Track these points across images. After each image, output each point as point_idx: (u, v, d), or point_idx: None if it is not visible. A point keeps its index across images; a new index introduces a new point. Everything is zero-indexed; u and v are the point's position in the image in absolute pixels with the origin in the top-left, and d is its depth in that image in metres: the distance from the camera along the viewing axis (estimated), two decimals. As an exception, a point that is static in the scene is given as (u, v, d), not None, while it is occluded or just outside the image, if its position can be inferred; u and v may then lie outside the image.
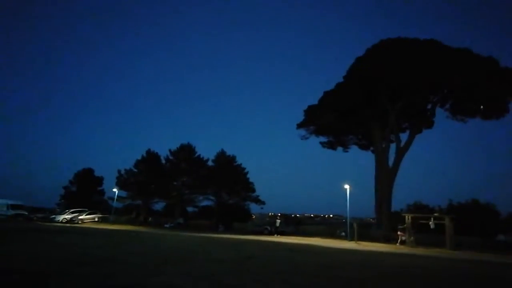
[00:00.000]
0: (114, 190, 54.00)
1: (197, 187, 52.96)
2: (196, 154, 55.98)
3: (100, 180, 66.72)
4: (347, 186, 34.31)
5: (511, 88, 36.35)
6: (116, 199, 54.81)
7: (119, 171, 56.48)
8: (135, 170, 56.96)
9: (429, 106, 42.08)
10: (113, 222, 48.42)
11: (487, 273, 14.05)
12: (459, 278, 12.29)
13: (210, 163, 54.67)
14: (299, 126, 44.99)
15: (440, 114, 42.51)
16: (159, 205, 60.79)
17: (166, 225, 45.68)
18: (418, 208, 37.50)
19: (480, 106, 39.19)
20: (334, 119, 42.09)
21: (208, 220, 48.32)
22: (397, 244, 28.96)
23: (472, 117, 40.44)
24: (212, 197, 52.85)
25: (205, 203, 55.01)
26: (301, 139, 46.23)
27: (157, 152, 58.02)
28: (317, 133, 46.18)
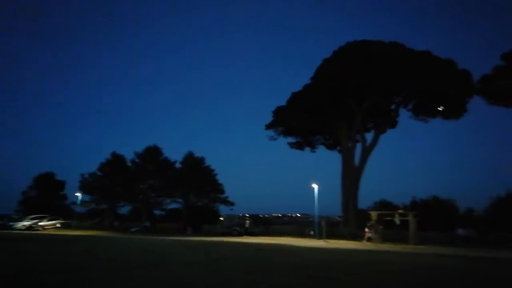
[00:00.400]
0: (77, 194, 52.05)
1: (165, 190, 51.97)
2: (163, 156, 54.93)
3: (61, 184, 64.04)
4: (315, 186, 34.74)
5: (469, 88, 38.03)
6: (80, 204, 52.83)
7: (82, 175, 54.51)
8: (100, 173, 55.12)
9: (393, 107, 43.35)
10: (76, 228, 46.63)
11: (450, 266, 14.57)
12: (424, 271, 12.65)
13: (178, 165, 53.81)
14: (268, 127, 45.13)
15: (404, 114, 43.88)
16: (125, 209, 59.19)
17: (132, 229, 44.49)
18: (384, 206, 38.56)
19: (441, 107, 40.76)
20: (302, 120, 42.52)
21: (176, 223, 47.46)
22: (364, 241, 29.59)
23: (434, 117, 42.00)
24: (180, 200, 52.03)
25: (172, 205, 54.07)
26: (270, 140, 46.36)
27: (122, 155, 56.47)
28: (285, 133, 46.47)
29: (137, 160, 54.39)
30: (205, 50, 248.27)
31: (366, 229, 30.07)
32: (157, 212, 56.38)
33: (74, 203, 54.07)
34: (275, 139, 46.27)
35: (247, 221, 39.98)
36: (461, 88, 38.21)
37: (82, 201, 53.07)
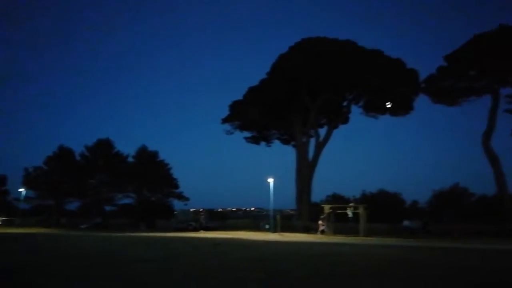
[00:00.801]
0: (21, 190, 49.04)
1: (116, 185, 50.40)
2: (115, 150, 53.14)
3: (3, 179, 59.98)
4: (270, 180, 35.17)
5: (415, 87, 40.18)
6: (23, 200, 49.85)
7: (26, 169, 51.40)
8: (46, 167, 52.29)
9: (345, 103, 44.83)
10: (20, 225, 43.96)
11: (398, 256, 15.38)
12: (374, 262, 13.25)
13: (130, 159, 52.30)
14: (224, 121, 45.05)
15: (356, 110, 45.48)
16: (73, 205, 56.64)
17: (82, 226, 42.71)
18: (336, 199, 39.93)
19: (390, 104, 42.66)
20: (258, 115, 42.87)
21: (129, 218, 46.23)
22: (318, 233, 30.48)
23: (383, 114, 43.96)
24: (132, 195, 50.69)
25: (125, 201, 52.55)
26: (226, 134, 46.41)
27: (71, 148, 53.86)
28: (242, 128, 46.65)
29: (87, 154, 52.22)
30: (162, 40, 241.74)
31: (320, 222, 30.95)
32: (108, 207, 54.52)
33: (17, 199, 50.93)
34: (231, 133, 46.36)
35: (202, 216, 39.76)
36: (408, 87, 40.25)
37: (26, 197, 50.13)
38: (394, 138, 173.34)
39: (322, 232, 30.44)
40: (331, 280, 9.74)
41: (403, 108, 42.71)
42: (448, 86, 39.49)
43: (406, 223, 31.52)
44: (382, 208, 35.19)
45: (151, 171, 49.21)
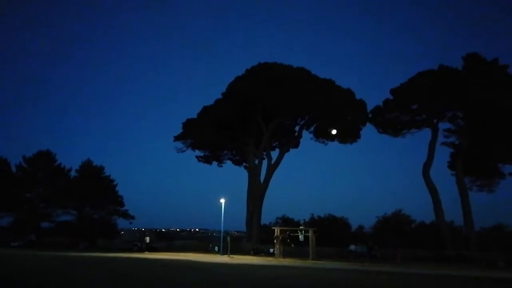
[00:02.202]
0: None
1: (55, 200, 47.20)
2: (57, 163, 50.02)
3: None
4: (222, 200, 34.82)
5: (363, 117, 42.19)
6: None
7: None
8: (-25, 178, 47.87)
9: (297, 128, 46.02)
10: None
11: (346, 279, 15.77)
12: (329, 286, 13.49)
13: (73, 173, 49.46)
14: (177, 138, 44.31)
15: (307, 135, 46.66)
16: (4, 220, 51.97)
17: (13, 244, 39.23)
18: (285, 222, 40.23)
19: (338, 131, 44.33)
20: (211, 134, 42.63)
21: (67, 237, 43.23)
22: (274, 255, 30.34)
23: (332, 141, 45.45)
24: (73, 211, 47.70)
25: (64, 217, 49.16)
26: (178, 152, 45.54)
27: (5, 159, 49.81)
28: (194, 147, 46.05)
29: (24, 166, 48.63)
30: (114, 51, 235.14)
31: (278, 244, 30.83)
32: (45, 224, 50.58)
33: None
34: (183, 151, 45.64)
35: (147, 237, 38.20)
36: (356, 116, 42.17)
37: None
38: (342, 164, 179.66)
39: (272, 254, 30.46)
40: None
41: (351, 136, 44.51)
42: (393, 118, 41.97)
43: (352, 247, 32.44)
44: (330, 232, 35.97)
45: (94, 187, 46.71)
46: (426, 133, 40.58)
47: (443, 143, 40.69)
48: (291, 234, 32.61)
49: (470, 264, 28.81)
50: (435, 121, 39.95)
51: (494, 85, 34.08)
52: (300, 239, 30.24)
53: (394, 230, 36.97)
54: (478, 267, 25.75)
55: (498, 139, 35.83)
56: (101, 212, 48.48)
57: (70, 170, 49.75)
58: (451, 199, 38.81)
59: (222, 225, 34.68)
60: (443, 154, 41.61)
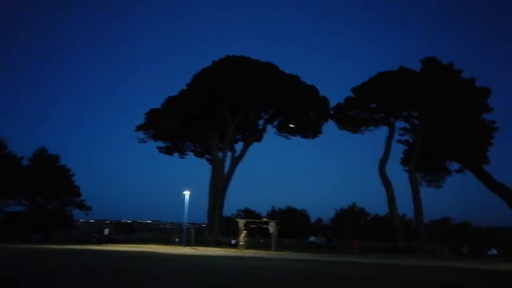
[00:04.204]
0: None
1: (5, 189, 44.66)
2: (7, 151, 47.23)
3: None
4: (187, 192, 34.69)
5: (325, 113, 43.62)
6: None
7: None
8: None
9: (261, 122, 46.66)
10: None
11: (314, 269, 16.55)
12: (296, 275, 14.12)
13: (26, 162, 46.98)
14: (139, 128, 43.45)
15: (272, 129, 47.45)
16: None
17: (-43, 236, 36.81)
18: (247, 214, 40.90)
19: (300, 126, 45.53)
20: (175, 126, 42.26)
21: (18, 228, 41.16)
22: (240, 246, 30.76)
23: (294, 135, 46.67)
24: (25, 202, 45.41)
25: (14, 208, 46.65)
26: (139, 142, 44.74)
27: None
28: (156, 137, 45.42)
29: (-30, 153, 45.54)
30: (76, 40, 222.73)
31: (242, 235, 31.24)
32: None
33: None
34: (145, 141, 44.90)
35: (107, 229, 37.36)
36: (319, 112, 43.53)
37: None
38: (303, 158, 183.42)
39: (242, 245, 30.87)
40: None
41: (312, 131, 45.94)
42: (353, 115, 43.82)
43: (312, 238, 33.69)
44: (290, 224, 37.01)
45: (49, 177, 44.75)
46: (384, 130, 42.68)
47: (399, 141, 43.06)
48: (253, 226, 33.33)
49: (419, 254, 30.91)
50: (392, 119, 42.11)
51: (448, 88, 36.49)
52: (270, 231, 30.88)
53: (350, 223, 38.73)
54: (427, 257, 27.72)
55: (447, 138, 38.41)
56: (56, 202, 46.54)
57: (22, 158, 47.22)
58: (404, 193, 41.28)
59: (186, 217, 34.65)
60: (398, 151, 43.97)
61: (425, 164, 43.07)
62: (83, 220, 48.15)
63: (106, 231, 36.79)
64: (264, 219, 33.28)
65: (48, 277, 12.05)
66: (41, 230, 39.81)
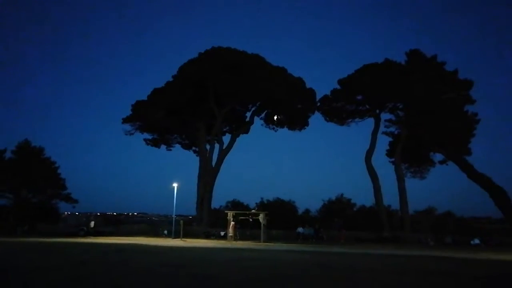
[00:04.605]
0: None
1: (-13, 182, 43.74)
2: (-11, 143, 46.23)
3: None
4: (175, 184, 34.65)
5: (312, 105, 43.79)
6: None
7: None
8: None
9: (248, 114, 46.63)
10: None
11: (306, 259, 16.89)
12: (287, 266, 14.43)
13: (9, 154, 45.99)
14: (125, 120, 42.91)
15: (258, 121, 47.51)
16: None
17: None
18: (235, 206, 41.06)
19: (287, 118, 45.67)
20: (161, 117, 41.87)
21: (2, 222, 40.52)
22: (230, 238, 30.99)
23: (281, 127, 46.72)
24: (9, 195, 44.59)
25: (-2, 202, 45.74)
26: (125, 134, 44.19)
27: None
28: (143, 129, 44.93)
29: (-50, 145, 44.42)
30: (64, 30, 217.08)
31: (231, 227, 31.43)
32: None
33: None
34: (131, 134, 44.39)
35: (92, 221, 37.04)
36: (306, 104, 43.67)
37: None
38: (291, 150, 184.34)
39: (231, 237, 31.07)
40: (265, 283, 10.45)
41: (299, 123, 46.06)
42: (339, 107, 44.12)
43: (300, 229, 34.05)
44: (278, 215, 37.32)
45: (33, 169, 43.97)
46: (370, 122, 43.20)
47: (384, 133, 43.61)
48: (242, 218, 33.61)
49: (404, 244, 31.69)
50: (377, 111, 42.62)
51: (432, 80, 37.12)
52: (262, 223, 31.07)
53: (337, 214, 39.30)
54: (412, 247, 28.46)
55: (430, 130, 39.10)
56: (41, 195, 45.85)
57: (5, 151, 46.19)
58: (389, 184, 42.01)
59: (174, 209, 34.63)
60: (384, 143, 44.61)
61: (410, 155, 43.72)
62: (69, 213, 47.55)
63: (92, 224, 36.48)
64: (253, 211, 33.50)
65: (39, 272, 12.03)
66: (26, 223, 39.29)
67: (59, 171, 46.82)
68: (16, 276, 10.93)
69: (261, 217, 31.07)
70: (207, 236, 34.60)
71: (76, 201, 46.60)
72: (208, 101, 42.07)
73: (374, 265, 15.04)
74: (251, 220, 32.59)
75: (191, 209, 43.92)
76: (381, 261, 16.74)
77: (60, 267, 13.25)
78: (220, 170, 43.55)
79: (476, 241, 31.85)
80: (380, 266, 14.91)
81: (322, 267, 14.28)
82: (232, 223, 31.67)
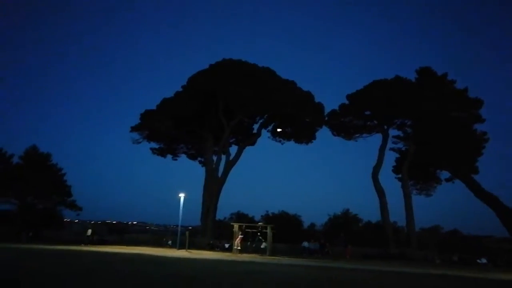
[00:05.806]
0: None
1: (-7, 187, 43.77)
2: (-3, 148, 46.38)
3: None
4: (181, 195, 34.51)
5: (320, 119, 43.81)
6: None
7: None
8: None
9: (256, 126, 46.73)
10: None
11: (317, 275, 16.71)
12: (301, 280, 14.27)
13: (16, 160, 46.18)
14: (133, 129, 43.15)
15: (265, 134, 47.53)
16: None
17: None
18: (240, 217, 40.85)
19: (295, 132, 45.71)
20: (170, 127, 42.08)
21: (7, 227, 40.44)
22: (234, 250, 30.65)
23: (288, 140, 46.77)
24: (14, 201, 44.61)
25: (3, 207, 45.75)
26: (133, 143, 44.38)
27: None
28: (150, 138, 45.16)
29: (-41, 150, 44.66)
30: (71, 41, 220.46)
31: (238, 240, 31.07)
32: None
33: None
34: (139, 142, 44.58)
35: (90, 230, 36.55)
36: (313, 118, 43.72)
37: None
38: (297, 163, 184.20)
39: (237, 250, 30.70)
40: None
41: (307, 137, 46.06)
42: (347, 122, 44.14)
43: (305, 244, 33.75)
44: (283, 228, 37.01)
45: (39, 176, 44.05)
46: (377, 138, 43.12)
47: (392, 149, 43.51)
48: (247, 230, 33.31)
49: (411, 261, 31.28)
50: (385, 127, 42.58)
51: (442, 98, 37.12)
52: (268, 236, 30.75)
53: (343, 229, 38.98)
54: (419, 264, 28.09)
55: (438, 147, 38.97)
56: (46, 202, 45.84)
57: (12, 156, 46.42)
58: (396, 201, 41.68)
59: (180, 219, 34.42)
60: (392, 159, 44.43)
61: (416, 172, 43.53)
62: (79, 220, 47.41)
63: (89, 232, 36.02)
64: (260, 224, 33.26)
65: (48, 280, 11.97)
66: (31, 229, 39.20)
67: (65, 178, 46.95)
68: (24, 286, 10.86)
69: (268, 231, 30.81)
70: (212, 247, 34.36)
71: (80, 209, 46.53)
72: (217, 112, 42.25)
73: (388, 284, 14.85)
74: (259, 234, 32.16)
75: (192, 220, 43.83)
76: (391, 278, 16.51)
77: (71, 275, 13.19)
78: (227, 181, 43.49)
79: (484, 260, 31.40)
80: (392, 283, 14.70)
81: (335, 282, 14.10)
82: (240, 236, 31.35)
